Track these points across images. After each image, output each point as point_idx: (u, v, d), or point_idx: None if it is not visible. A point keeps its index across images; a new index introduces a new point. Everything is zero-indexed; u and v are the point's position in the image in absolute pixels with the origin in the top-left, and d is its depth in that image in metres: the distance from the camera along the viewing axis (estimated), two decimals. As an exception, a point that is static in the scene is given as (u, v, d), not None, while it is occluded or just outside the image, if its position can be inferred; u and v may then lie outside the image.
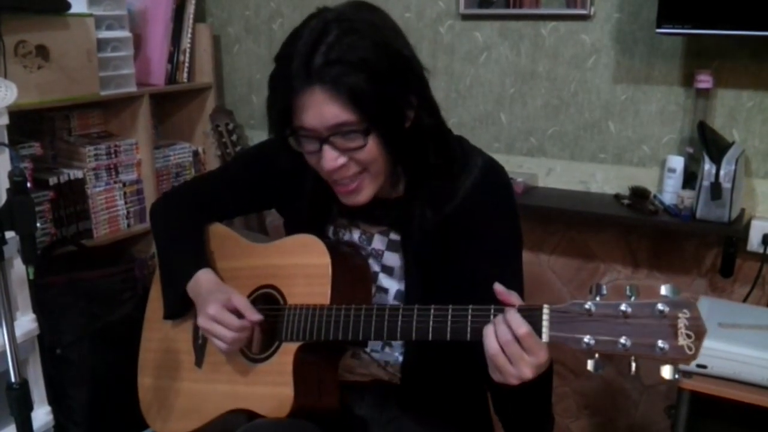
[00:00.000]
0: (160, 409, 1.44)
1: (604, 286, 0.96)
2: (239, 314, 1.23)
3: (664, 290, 0.92)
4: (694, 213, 1.82)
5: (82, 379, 2.05)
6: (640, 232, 2.07)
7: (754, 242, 1.89)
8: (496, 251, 1.23)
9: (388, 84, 1.09)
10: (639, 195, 1.99)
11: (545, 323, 0.97)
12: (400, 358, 1.32)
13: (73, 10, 2.02)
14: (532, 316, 0.98)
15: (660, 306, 0.91)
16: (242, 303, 1.24)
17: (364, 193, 1.17)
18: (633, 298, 0.93)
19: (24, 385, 1.19)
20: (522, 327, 0.97)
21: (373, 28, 1.10)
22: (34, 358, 1.74)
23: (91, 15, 2.09)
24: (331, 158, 1.12)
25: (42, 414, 1.74)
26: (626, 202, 1.98)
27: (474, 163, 1.24)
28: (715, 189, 1.76)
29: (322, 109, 1.08)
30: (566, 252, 2.19)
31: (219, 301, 1.24)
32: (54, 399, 1.83)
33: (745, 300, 1.92)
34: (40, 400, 1.75)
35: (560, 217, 2.14)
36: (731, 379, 1.54)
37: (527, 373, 0.99)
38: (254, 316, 1.23)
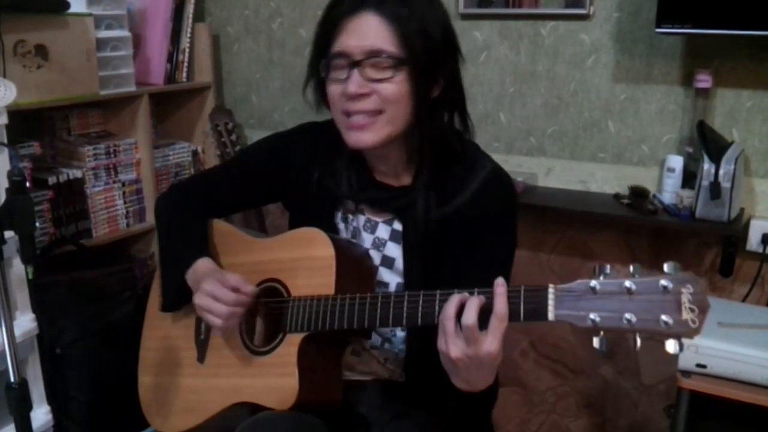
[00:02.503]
0: (162, 407, 1.44)
1: (608, 266, 0.98)
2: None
3: (667, 267, 0.94)
4: (694, 212, 1.82)
5: (81, 379, 2.05)
6: (639, 232, 2.07)
7: (753, 242, 1.88)
8: (493, 254, 1.26)
9: (434, 41, 1.18)
10: (638, 194, 1.99)
11: (551, 302, 0.99)
12: (401, 355, 1.33)
13: (73, 9, 2.02)
14: (537, 296, 1.00)
15: (664, 282, 0.92)
16: (236, 278, 1.26)
17: (372, 134, 1.21)
18: (637, 276, 0.95)
19: (23, 385, 1.19)
20: (470, 319, 1.00)
21: None
22: (33, 357, 1.74)
23: (90, 14, 2.09)
24: (357, 82, 1.17)
25: (41, 413, 1.74)
26: (626, 201, 1.98)
27: (482, 167, 1.28)
28: (715, 188, 1.76)
29: (367, 32, 1.16)
30: (566, 251, 2.19)
31: (215, 279, 1.26)
32: (53, 398, 1.83)
33: (744, 299, 1.92)
34: (40, 400, 1.75)
35: (560, 217, 2.14)
36: (731, 379, 1.54)
37: (455, 352, 1.02)
38: (247, 287, 1.25)
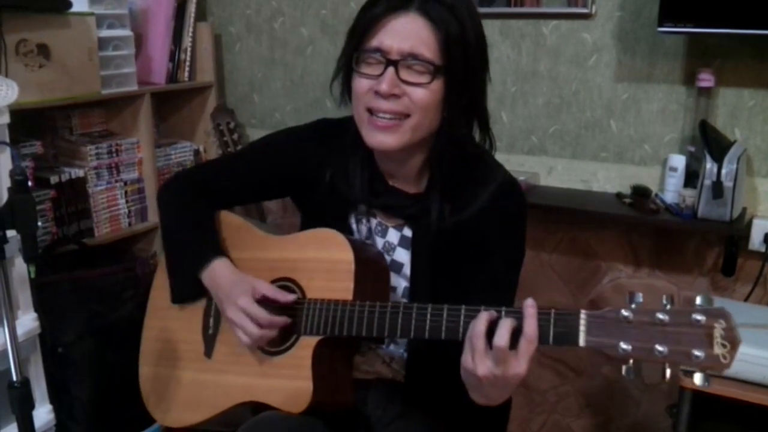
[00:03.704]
0: (163, 399, 1.43)
1: (640, 294, 0.97)
2: (266, 305, 1.23)
3: (699, 300, 0.94)
4: (696, 212, 1.82)
5: (83, 378, 2.05)
6: (641, 231, 2.07)
7: (755, 241, 1.88)
8: (501, 264, 1.25)
9: (472, 49, 1.17)
10: (640, 194, 1.99)
11: (582, 328, 0.98)
12: (405, 355, 1.32)
13: (75, 8, 2.02)
14: (568, 320, 0.99)
15: (696, 316, 0.92)
16: (268, 288, 1.24)
17: (394, 137, 1.18)
18: (669, 307, 0.95)
19: (25, 384, 1.19)
20: (503, 340, 0.98)
21: (472, 3, 1.22)
22: (35, 356, 1.74)
23: (92, 14, 2.09)
24: (390, 81, 1.14)
25: (43, 413, 1.74)
26: (628, 201, 1.97)
27: (494, 177, 1.26)
28: (717, 188, 1.76)
29: (409, 33, 1.13)
30: (568, 251, 2.19)
31: (246, 293, 1.24)
32: (55, 398, 1.83)
33: (746, 299, 1.91)
34: (42, 399, 1.75)
35: (562, 216, 2.14)
36: (733, 378, 1.53)
37: (482, 371, 1.00)
38: (286, 297, 1.23)
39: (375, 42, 1.15)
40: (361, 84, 1.18)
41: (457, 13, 1.15)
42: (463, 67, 1.16)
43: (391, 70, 1.14)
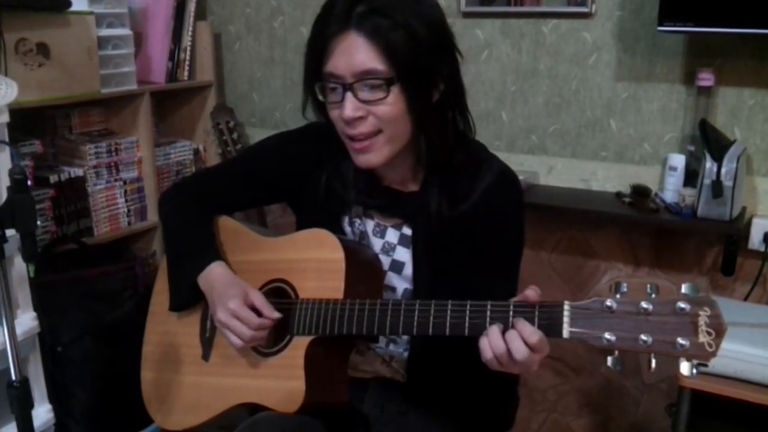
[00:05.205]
0: (163, 403, 1.44)
1: (624, 284, 0.97)
2: (257, 311, 1.24)
3: (684, 289, 0.94)
4: (696, 211, 1.82)
5: (82, 377, 2.05)
6: (641, 231, 2.07)
7: (755, 240, 1.88)
8: (500, 256, 1.26)
9: (424, 47, 1.14)
10: (640, 193, 1.99)
11: (566, 320, 0.98)
12: (405, 354, 1.32)
13: (74, 7, 2.02)
14: (552, 312, 0.99)
15: (681, 304, 0.92)
16: (259, 300, 1.24)
17: (376, 154, 1.19)
18: (653, 296, 0.94)
19: (25, 383, 1.19)
20: (534, 336, 1.00)
21: None
22: (34, 356, 1.74)
23: (91, 13, 2.09)
24: (351, 107, 1.14)
25: (43, 412, 1.74)
26: (627, 200, 1.97)
27: (489, 168, 1.27)
28: (717, 187, 1.76)
29: (353, 54, 1.12)
30: (567, 250, 2.19)
31: (237, 296, 1.24)
32: (55, 397, 1.83)
33: (746, 298, 1.91)
34: (41, 398, 1.75)
35: (561, 216, 2.14)
36: (732, 378, 1.53)
37: (517, 371, 1.03)
38: (273, 314, 1.23)
39: (329, 67, 1.16)
40: (332, 113, 1.20)
41: (397, 17, 1.11)
42: (420, 67, 1.14)
43: (348, 95, 1.14)
